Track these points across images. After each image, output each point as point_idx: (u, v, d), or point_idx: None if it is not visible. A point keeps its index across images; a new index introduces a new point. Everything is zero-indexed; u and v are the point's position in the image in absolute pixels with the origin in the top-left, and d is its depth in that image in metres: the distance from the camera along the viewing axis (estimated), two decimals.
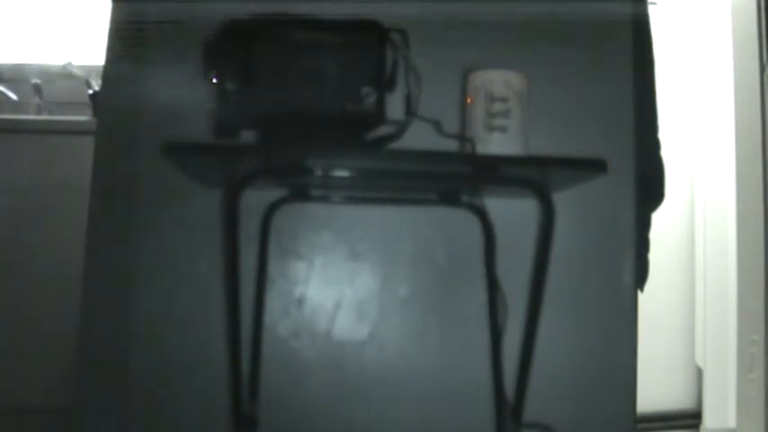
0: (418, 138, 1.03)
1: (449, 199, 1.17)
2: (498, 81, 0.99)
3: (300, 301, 1.19)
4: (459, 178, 1.04)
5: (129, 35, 1.19)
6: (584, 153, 1.18)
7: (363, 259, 1.20)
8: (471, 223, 1.16)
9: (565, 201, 1.07)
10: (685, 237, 2.52)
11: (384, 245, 1.20)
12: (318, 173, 0.98)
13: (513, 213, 1.18)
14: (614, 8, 1.25)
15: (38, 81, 2.38)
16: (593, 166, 0.96)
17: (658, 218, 1.32)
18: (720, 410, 2.26)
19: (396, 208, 1.20)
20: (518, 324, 1.08)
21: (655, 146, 1.31)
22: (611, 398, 1.19)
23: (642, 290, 1.25)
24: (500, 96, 0.98)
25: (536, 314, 1.02)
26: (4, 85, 2.39)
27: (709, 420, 2.30)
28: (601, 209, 1.22)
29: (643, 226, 1.26)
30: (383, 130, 1.00)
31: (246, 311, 1.10)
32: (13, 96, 2.38)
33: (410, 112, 1.01)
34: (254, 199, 1.11)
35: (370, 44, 0.96)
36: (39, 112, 2.37)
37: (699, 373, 2.44)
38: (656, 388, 2.40)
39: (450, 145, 1.06)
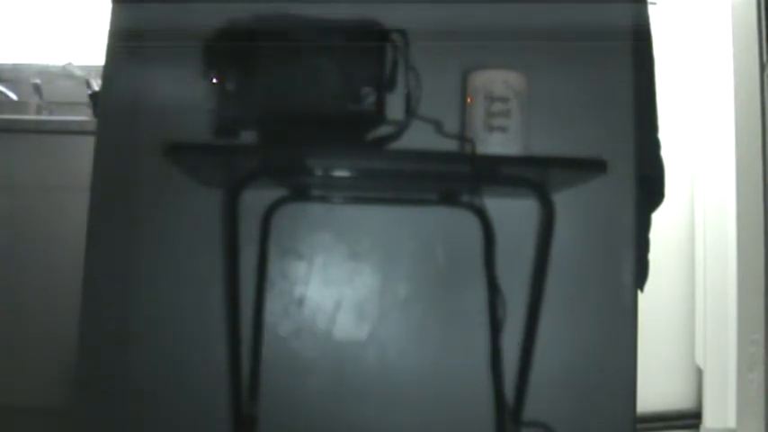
0: (418, 138, 1.03)
1: (449, 199, 1.17)
2: (498, 81, 0.99)
3: (300, 301, 1.19)
4: (460, 178, 1.04)
5: (129, 36, 1.19)
6: (584, 153, 1.18)
7: (363, 259, 1.20)
8: (471, 223, 1.16)
9: (565, 201, 1.07)
10: (685, 237, 2.52)
11: (384, 245, 1.20)
12: (318, 173, 0.98)
13: (513, 213, 1.18)
14: (614, 8, 1.24)
15: (38, 81, 2.38)
16: (593, 166, 0.96)
17: (658, 218, 1.32)
18: (720, 410, 2.26)
19: (396, 208, 1.20)
20: (518, 324, 1.08)
21: (655, 146, 1.30)
22: (611, 398, 1.19)
23: (642, 290, 1.25)
24: (500, 96, 0.98)
25: (536, 314, 1.02)
26: (4, 85, 2.39)
27: (709, 420, 2.30)
28: (601, 209, 1.22)
29: (643, 226, 1.26)
30: (383, 130, 1.00)
31: (246, 311, 1.10)
32: (13, 96, 2.38)
33: (410, 112, 1.01)
34: (254, 199, 1.11)
35: (369, 44, 0.96)
36: (39, 112, 2.38)
37: (699, 373, 2.44)
38: (656, 388, 2.39)
39: (451, 145, 1.06)
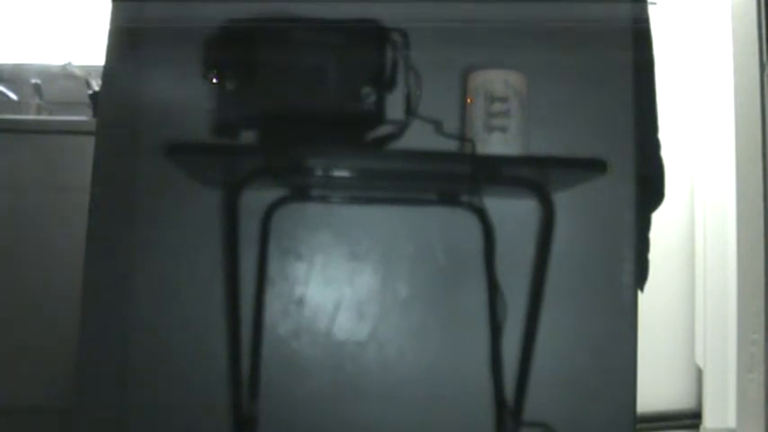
0: (418, 138, 1.03)
1: (449, 199, 1.17)
2: (498, 81, 0.99)
3: (300, 301, 1.19)
4: (459, 178, 1.04)
5: (129, 35, 1.19)
6: (584, 153, 1.18)
7: (363, 259, 1.20)
8: (471, 223, 1.16)
9: (565, 201, 1.07)
10: (685, 237, 2.52)
11: (384, 245, 1.20)
12: (318, 173, 0.98)
13: (513, 213, 1.18)
14: (614, 8, 1.24)
15: (38, 81, 2.38)
16: (592, 167, 0.96)
17: (658, 218, 1.32)
18: (720, 410, 2.26)
19: (396, 208, 1.20)
20: (518, 324, 1.08)
21: (655, 146, 1.30)
22: (611, 398, 1.19)
23: (642, 290, 1.25)
24: (500, 96, 0.98)
25: (536, 314, 1.02)
26: (4, 85, 2.39)
27: (709, 420, 2.30)
28: (601, 209, 1.22)
29: (643, 226, 1.26)
30: (383, 130, 1.00)
31: (246, 311, 1.10)
32: (13, 96, 2.38)
33: (410, 112, 1.01)
34: (254, 199, 1.11)
35: (370, 44, 0.96)
36: (39, 112, 2.38)
37: (699, 373, 2.44)
38: (656, 388, 2.40)
39: (450, 145, 1.06)
